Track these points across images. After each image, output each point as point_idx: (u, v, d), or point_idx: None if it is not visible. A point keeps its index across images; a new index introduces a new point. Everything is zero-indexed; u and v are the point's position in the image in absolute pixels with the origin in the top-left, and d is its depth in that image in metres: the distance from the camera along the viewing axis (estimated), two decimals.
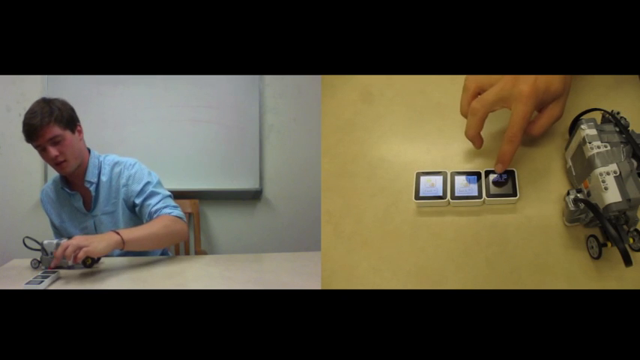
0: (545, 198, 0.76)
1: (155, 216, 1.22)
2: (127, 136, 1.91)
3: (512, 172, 0.78)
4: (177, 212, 1.24)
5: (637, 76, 0.85)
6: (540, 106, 0.76)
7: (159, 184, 1.30)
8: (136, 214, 1.29)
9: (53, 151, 1.15)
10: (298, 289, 0.91)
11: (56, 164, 1.19)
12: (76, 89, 1.84)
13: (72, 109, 1.22)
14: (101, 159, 1.30)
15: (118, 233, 1.05)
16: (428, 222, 0.78)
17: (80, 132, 1.25)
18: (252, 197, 2.06)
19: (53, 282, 0.95)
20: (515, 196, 0.76)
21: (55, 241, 1.04)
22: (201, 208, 1.99)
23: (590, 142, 0.68)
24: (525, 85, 0.72)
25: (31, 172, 1.88)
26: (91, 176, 1.26)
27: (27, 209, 1.88)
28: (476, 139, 0.80)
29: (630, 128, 0.69)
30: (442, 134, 0.89)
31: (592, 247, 0.68)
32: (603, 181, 0.64)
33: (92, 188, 1.26)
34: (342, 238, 0.80)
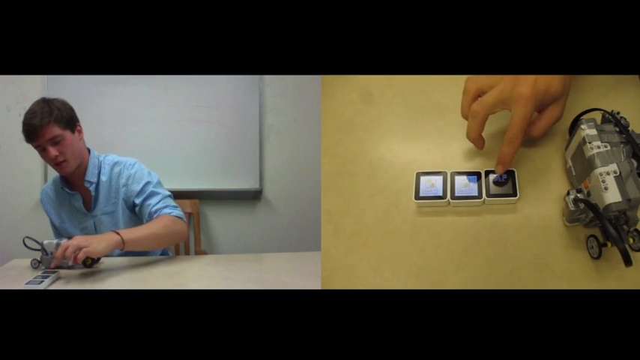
0: (545, 198, 0.76)
1: (155, 216, 1.22)
2: (127, 136, 1.91)
3: (513, 172, 0.78)
4: (177, 212, 1.24)
5: (637, 76, 0.85)
6: (540, 108, 0.76)
7: (159, 184, 1.30)
8: (135, 214, 1.29)
9: (53, 151, 1.15)
10: (298, 289, 0.91)
11: (56, 164, 1.19)
12: (76, 89, 1.84)
13: (71, 109, 1.22)
14: (101, 159, 1.30)
15: (117, 233, 1.05)
16: (428, 222, 0.78)
17: (80, 132, 1.25)
18: (252, 197, 2.06)
19: (53, 282, 0.95)
20: (515, 196, 0.76)
21: (55, 241, 1.04)
22: (201, 208, 1.99)
23: (590, 142, 0.68)
24: (525, 87, 0.72)
25: (31, 172, 1.88)
26: (90, 176, 1.26)
27: (27, 209, 1.88)
28: (477, 141, 0.80)
29: (630, 128, 0.69)
30: (442, 134, 0.89)
31: (592, 247, 0.68)
32: (603, 181, 0.64)
33: (92, 188, 1.26)
34: (342, 238, 0.80)
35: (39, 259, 1.07)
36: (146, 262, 1.15)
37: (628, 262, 0.60)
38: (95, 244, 0.99)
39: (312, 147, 2.07)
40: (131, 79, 1.90)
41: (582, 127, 0.71)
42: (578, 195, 0.68)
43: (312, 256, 1.24)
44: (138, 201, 1.26)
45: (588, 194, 0.68)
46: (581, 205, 0.67)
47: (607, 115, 0.72)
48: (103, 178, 1.27)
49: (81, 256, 0.95)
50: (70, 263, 0.97)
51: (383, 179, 0.86)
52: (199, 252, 1.91)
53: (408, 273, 0.73)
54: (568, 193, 0.69)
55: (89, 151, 1.29)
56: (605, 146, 0.67)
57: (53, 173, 1.29)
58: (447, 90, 0.95)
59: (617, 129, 0.69)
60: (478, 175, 0.80)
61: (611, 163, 0.65)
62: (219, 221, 2.05)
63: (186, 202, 1.91)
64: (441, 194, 0.79)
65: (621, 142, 0.68)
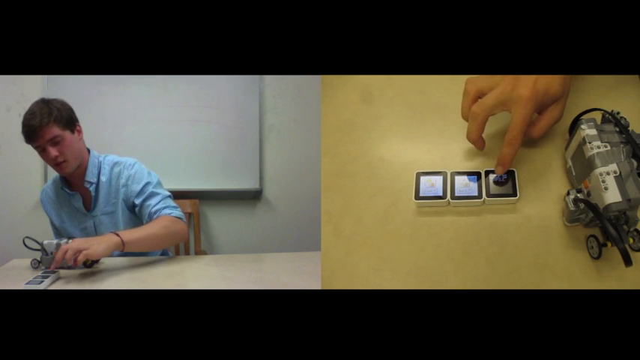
0: (545, 198, 0.76)
1: (155, 216, 1.22)
2: (127, 136, 1.91)
3: (513, 172, 0.78)
4: (177, 212, 1.24)
5: (637, 76, 0.85)
6: (540, 109, 0.76)
7: (159, 184, 1.30)
8: (135, 214, 1.29)
9: (53, 152, 1.15)
10: (298, 289, 0.91)
11: (56, 165, 1.19)
12: (76, 89, 1.84)
13: (71, 109, 1.22)
14: (101, 159, 1.30)
15: (117, 235, 1.05)
16: (428, 222, 0.78)
17: (80, 132, 1.24)
18: (252, 197, 2.06)
19: (53, 282, 0.95)
20: (515, 196, 0.76)
21: (55, 241, 1.04)
22: (201, 208, 1.99)
23: (590, 142, 0.68)
24: (525, 88, 0.72)
25: (31, 172, 1.88)
26: (90, 176, 1.26)
27: (27, 209, 1.88)
28: (477, 142, 0.81)
29: (630, 128, 0.69)
30: (442, 134, 0.89)
31: (592, 247, 0.68)
32: (603, 181, 0.64)
33: (92, 188, 1.26)
34: (342, 238, 0.80)
35: (39, 259, 1.07)
36: (146, 262, 1.15)
37: (628, 262, 0.60)
38: (95, 246, 0.99)
39: (312, 147, 2.07)
40: (131, 79, 1.90)
41: (582, 127, 0.71)
42: (578, 195, 0.68)
43: (312, 256, 1.24)
44: (138, 201, 1.26)
45: (588, 194, 0.68)
46: (581, 205, 0.67)
47: (607, 115, 0.72)
48: (103, 178, 1.27)
49: (81, 258, 0.95)
50: (71, 264, 0.97)
51: (383, 179, 0.86)
52: (199, 252, 1.91)
53: (408, 273, 0.73)
54: (568, 193, 0.69)
55: (89, 151, 1.29)
56: (605, 146, 0.67)
57: (53, 173, 1.29)
58: (447, 90, 0.95)
59: (617, 129, 0.69)
60: (478, 175, 0.80)
61: (611, 163, 0.65)
62: (219, 221, 2.05)
63: (186, 202, 1.91)
64: (441, 194, 0.79)
65: (621, 142, 0.68)
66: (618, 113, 0.71)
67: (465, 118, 0.81)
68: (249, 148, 2.02)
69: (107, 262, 1.12)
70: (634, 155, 0.67)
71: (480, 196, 0.77)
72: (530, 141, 0.81)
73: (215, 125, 1.98)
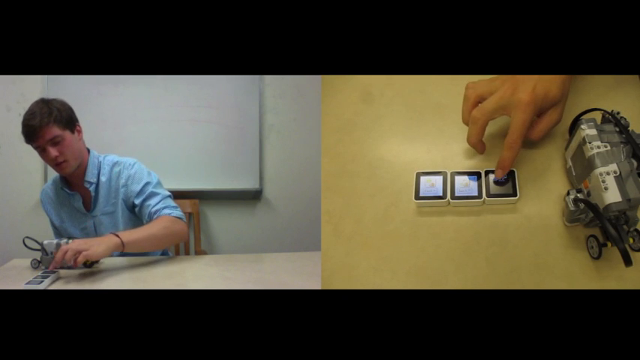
0: (545, 198, 0.76)
1: (155, 216, 1.21)
2: (127, 136, 1.91)
3: (513, 172, 0.78)
4: (177, 213, 1.24)
5: (637, 76, 0.85)
6: (539, 112, 0.77)
7: (158, 184, 1.30)
8: (135, 214, 1.29)
9: (53, 152, 1.15)
10: (298, 289, 0.91)
11: (56, 165, 1.19)
12: (76, 89, 1.84)
13: (71, 109, 1.22)
14: (100, 159, 1.30)
15: (117, 236, 1.05)
16: (428, 222, 0.78)
17: (79, 132, 1.24)
18: (252, 197, 2.06)
19: (53, 282, 0.95)
20: (516, 196, 0.76)
21: (55, 241, 1.04)
22: (201, 208, 1.99)
23: (590, 142, 0.68)
24: (524, 93, 0.73)
25: (31, 172, 1.88)
26: (90, 176, 1.26)
27: (27, 209, 1.88)
28: (478, 146, 0.81)
29: (630, 128, 0.69)
30: (442, 134, 0.89)
31: (592, 247, 0.68)
32: (603, 181, 0.64)
33: (92, 188, 1.26)
34: (342, 238, 0.80)
35: (39, 259, 1.07)
36: (146, 262, 1.14)
37: (628, 262, 0.60)
38: (94, 247, 0.99)
39: (312, 147, 2.07)
40: (131, 79, 1.91)
41: (582, 127, 0.71)
42: (578, 195, 0.68)
43: (312, 256, 1.24)
44: (137, 201, 1.25)
45: (588, 194, 0.68)
46: (581, 205, 0.67)
47: (607, 115, 0.72)
48: (103, 178, 1.27)
49: (80, 259, 0.95)
50: (70, 264, 0.97)
51: (383, 179, 0.86)
52: (199, 252, 1.91)
53: (408, 273, 0.73)
54: (568, 193, 0.69)
55: (89, 151, 1.29)
56: (605, 146, 0.67)
57: (53, 173, 1.29)
58: (447, 90, 0.95)
59: (617, 129, 0.69)
60: (478, 174, 0.80)
61: (611, 163, 0.65)
62: (219, 221, 2.05)
63: (186, 202, 1.91)
64: (441, 194, 0.79)
65: (621, 142, 0.68)
66: (618, 113, 0.71)
67: (466, 122, 0.82)
68: (249, 148, 2.02)
69: (107, 262, 1.12)
70: (634, 155, 0.67)
71: (480, 196, 0.77)
72: (530, 141, 0.81)
73: (215, 125, 1.98)
